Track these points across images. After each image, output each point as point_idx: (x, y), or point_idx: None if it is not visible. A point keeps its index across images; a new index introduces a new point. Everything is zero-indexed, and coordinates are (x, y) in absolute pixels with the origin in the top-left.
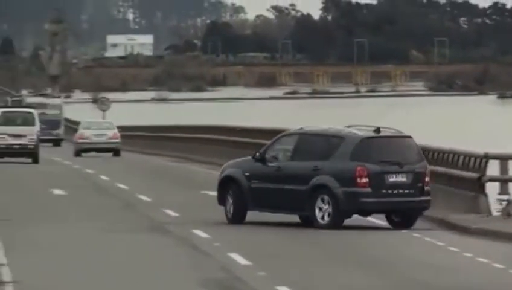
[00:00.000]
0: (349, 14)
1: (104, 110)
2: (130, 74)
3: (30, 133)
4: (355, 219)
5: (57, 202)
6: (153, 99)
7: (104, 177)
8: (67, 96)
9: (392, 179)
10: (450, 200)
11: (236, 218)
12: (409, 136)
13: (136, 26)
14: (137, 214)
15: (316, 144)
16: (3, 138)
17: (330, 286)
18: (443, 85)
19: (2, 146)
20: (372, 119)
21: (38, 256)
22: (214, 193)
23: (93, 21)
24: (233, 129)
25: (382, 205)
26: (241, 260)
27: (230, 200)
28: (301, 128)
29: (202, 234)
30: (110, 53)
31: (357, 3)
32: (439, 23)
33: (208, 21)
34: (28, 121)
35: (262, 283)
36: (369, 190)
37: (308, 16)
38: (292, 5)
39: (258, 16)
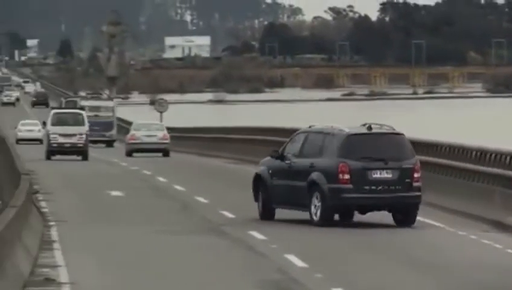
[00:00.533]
0: (406, 15)
1: (161, 112)
2: (187, 76)
3: (80, 133)
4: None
5: (114, 204)
6: (210, 101)
7: (161, 179)
8: (125, 98)
9: (376, 175)
10: (508, 202)
11: (265, 215)
12: (399, 134)
13: (194, 28)
14: (194, 216)
15: (315, 142)
16: (55, 137)
17: (389, 288)
18: (501, 86)
19: (54, 145)
20: (428, 121)
21: (95, 257)
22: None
23: (151, 23)
24: (289, 130)
25: (365, 200)
26: (298, 262)
27: (260, 197)
28: (309, 127)
29: (258, 236)
30: (168, 54)
31: (415, 5)
32: (497, 24)
33: (266, 22)
34: (77, 121)
35: (319, 285)
36: (350, 186)
37: (366, 17)
38: (350, 6)
39: (315, 18)
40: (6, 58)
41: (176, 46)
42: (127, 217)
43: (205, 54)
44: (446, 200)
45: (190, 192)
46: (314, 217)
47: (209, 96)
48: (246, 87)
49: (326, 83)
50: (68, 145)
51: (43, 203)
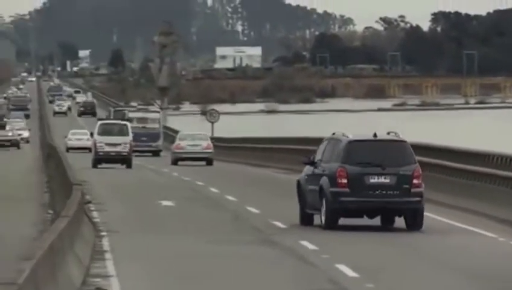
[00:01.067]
0: (458, 25)
1: (212, 122)
2: (238, 86)
3: (124, 142)
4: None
5: (165, 214)
6: (261, 111)
7: (213, 189)
8: (176, 108)
9: (374, 180)
10: None
11: (303, 220)
12: (401, 141)
13: (245, 38)
14: (246, 226)
15: (330, 148)
16: (101, 146)
17: None
18: None
19: (100, 153)
20: (478, 131)
21: (146, 267)
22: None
23: (203, 33)
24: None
25: (362, 204)
26: (349, 272)
27: (299, 203)
28: (332, 134)
29: (310, 246)
30: (219, 65)
31: (466, 15)
32: None
33: (317, 33)
34: (122, 131)
35: None
36: (347, 190)
37: (417, 28)
38: (401, 16)
39: (366, 28)
40: (58, 68)
41: (227, 56)
42: (179, 227)
43: (256, 64)
44: (499, 210)
45: (241, 202)
46: (322, 221)
47: (260, 106)
48: (296, 97)
49: (377, 93)
50: (113, 153)
51: (94, 213)
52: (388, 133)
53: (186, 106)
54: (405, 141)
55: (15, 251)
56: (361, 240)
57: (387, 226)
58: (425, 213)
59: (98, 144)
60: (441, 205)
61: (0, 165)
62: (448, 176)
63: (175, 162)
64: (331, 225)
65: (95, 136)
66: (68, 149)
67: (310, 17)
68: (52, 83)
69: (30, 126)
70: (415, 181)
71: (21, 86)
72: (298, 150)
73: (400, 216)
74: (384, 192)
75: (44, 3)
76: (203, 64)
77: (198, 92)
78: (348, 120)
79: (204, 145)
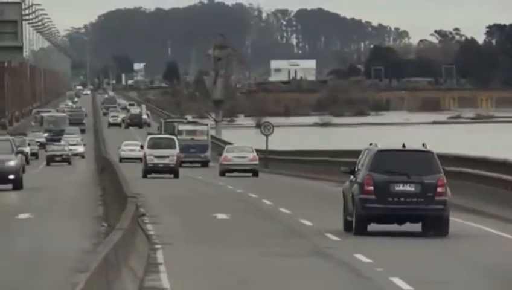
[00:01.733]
0: None
1: (267, 135)
2: (293, 99)
3: (171, 155)
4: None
5: (219, 226)
6: (315, 124)
7: (266, 202)
8: (231, 121)
9: (399, 188)
10: None
11: (346, 227)
12: (428, 151)
13: (300, 51)
14: (300, 239)
15: (365, 157)
16: (151, 158)
17: None
18: None
19: (150, 165)
20: None
21: (201, 280)
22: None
23: (257, 46)
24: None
25: (388, 211)
26: (403, 285)
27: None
28: (369, 144)
29: (364, 259)
30: (274, 78)
31: None
32: None
33: (372, 46)
34: (170, 145)
35: None
36: (373, 196)
37: (472, 40)
38: (456, 29)
39: (421, 41)
40: (113, 82)
41: (282, 69)
42: (233, 240)
43: (311, 77)
44: None
45: (295, 214)
46: (353, 227)
47: (314, 119)
48: (351, 110)
49: (432, 106)
50: (161, 165)
51: (149, 226)
52: (423, 145)
53: (241, 119)
54: (431, 152)
55: (70, 263)
56: (417, 252)
57: (428, 233)
58: (473, 224)
59: (148, 157)
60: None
61: (55, 179)
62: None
63: (222, 173)
64: (359, 230)
65: (145, 149)
66: (121, 159)
67: (365, 30)
68: (106, 96)
69: (86, 141)
70: (438, 189)
71: (76, 100)
72: (351, 163)
73: (423, 222)
74: (408, 199)
75: (99, 17)
76: (257, 77)
77: (252, 105)
78: (402, 133)
79: (250, 157)
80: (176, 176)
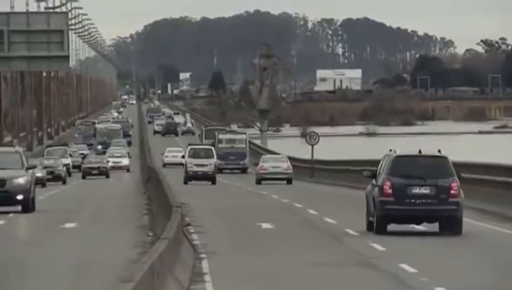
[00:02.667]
0: None
1: (312, 145)
2: (338, 108)
3: (209, 163)
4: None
5: (264, 236)
6: (361, 134)
7: (312, 211)
8: (276, 131)
9: (415, 190)
10: None
11: (368, 227)
12: (442, 157)
13: (345, 61)
14: (344, 248)
15: (383, 163)
16: (191, 167)
17: None
18: None
19: (190, 172)
20: None
21: None
22: (421, 228)
23: (303, 55)
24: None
25: (405, 212)
26: None
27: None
28: (389, 150)
29: (409, 269)
30: (319, 87)
31: None
32: None
33: (417, 55)
34: (208, 154)
35: None
36: (392, 199)
37: None
38: (502, 38)
39: (467, 50)
40: (159, 91)
41: (327, 78)
42: (278, 250)
43: (356, 86)
44: None
45: (340, 224)
46: (374, 227)
47: (360, 129)
48: (397, 120)
49: (478, 115)
50: (201, 173)
51: (194, 236)
52: (438, 151)
53: (286, 129)
54: (445, 157)
55: (115, 273)
56: (461, 261)
57: (445, 233)
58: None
59: (188, 165)
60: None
61: (100, 188)
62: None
63: (259, 181)
64: (380, 230)
65: (186, 158)
66: (164, 165)
67: (411, 40)
68: (152, 105)
69: (132, 152)
70: (452, 191)
71: (121, 110)
72: None
73: (452, 223)
74: (424, 201)
75: (145, 26)
76: (303, 86)
77: (298, 114)
78: (447, 142)
79: (285, 166)
80: (214, 182)
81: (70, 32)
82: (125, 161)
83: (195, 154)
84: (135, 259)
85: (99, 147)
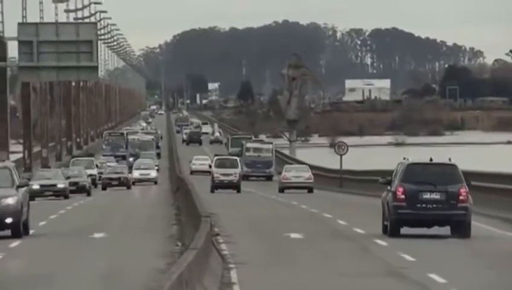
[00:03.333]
0: None
1: (341, 155)
2: (367, 118)
3: (235, 173)
4: None
5: (293, 246)
6: (389, 144)
7: (341, 222)
8: (305, 141)
9: (426, 196)
10: None
11: (384, 231)
12: (451, 164)
13: (374, 71)
14: (374, 258)
15: (397, 170)
16: (218, 176)
17: None
18: None
19: (217, 181)
20: None
21: None
22: (451, 238)
23: (332, 65)
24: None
25: (417, 216)
26: None
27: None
28: (403, 159)
29: (438, 279)
30: (348, 97)
31: None
32: None
33: (446, 65)
34: (233, 164)
35: None
36: (404, 203)
37: None
38: None
39: (496, 60)
40: (188, 101)
41: (356, 88)
42: (307, 260)
43: (385, 96)
44: None
45: (370, 235)
46: (388, 230)
47: (388, 139)
48: (425, 130)
49: (507, 125)
50: (226, 181)
51: (223, 246)
52: (449, 160)
53: (315, 139)
54: (454, 165)
55: (144, 283)
56: (490, 270)
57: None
58: None
59: (215, 174)
60: None
61: (129, 198)
62: None
63: (282, 190)
64: (393, 233)
65: (213, 168)
66: (192, 172)
67: (440, 50)
68: (181, 115)
69: (161, 165)
70: (461, 197)
71: (150, 120)
72: None
73: (460, 227)
74: (435, 206)
75: (174, 36)
76: (332, 96)
77: (327, 124)
78: (475, 153)
79: (306, 176)
80: (239, 191)
81: (99, 42)
82: (153, 173)
83: (221, 164)
84: (164, 269)
85: (131, 159)
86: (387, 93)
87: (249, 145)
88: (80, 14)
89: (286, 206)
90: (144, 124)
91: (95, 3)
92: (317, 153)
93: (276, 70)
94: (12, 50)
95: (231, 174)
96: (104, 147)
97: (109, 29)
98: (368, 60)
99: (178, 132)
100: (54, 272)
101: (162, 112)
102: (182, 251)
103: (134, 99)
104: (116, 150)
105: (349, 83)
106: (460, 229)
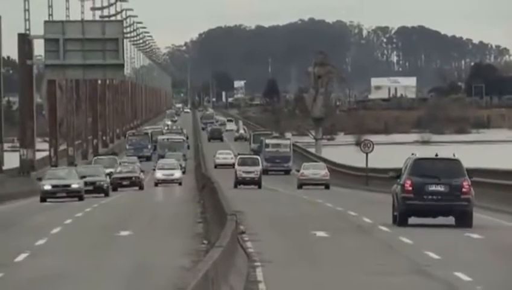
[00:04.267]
0: None
1: (366, 153)
2: (393, 116)
3: (256, 170)
4: None
5: (319, 244)
6: (415, 142)
7: (366, 220)
8: (331, 139)
9: (432, 188)
10: None
11: (394, 221)
12: (455, 159)
13: (400, 69)
14: (399, 256)
15: (406, 165)
16: (240, 173)
17: None
18: None
19: (240, 178)
20: None
21: None
22: (478, 236)
23: (357, 63)
24: (496, 172)
25: (423, 206)
26: None
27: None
28: (411, 154)
29: (464, 277)
30: (374, 95)
31: None
32: None
33: (472, 63)
34: (254, 162)
35: None
36: (411, 195)
37: None
38: None
39: None
40: (214, 99)
41: (382, 86)
42: (332, 258)
43: (411, 94)
44: None
45: (395, 233)
46: (397, 220)
47: (414, 137)
48: (451, 128)
49: None
50: (248, 178)
51: (248, 244)
52: (453, 155)
53: (341, 137)
54: (458, 160)
55: (169, 281)
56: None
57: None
58: None
59: (238, 172)
60: None
61: (154, 197)
62: None
63: (300, 186)
64: (401, 222)
65: (236, 166)
66: (216, 165)
67: (466, 48)
68: (207, 113)
69: (187, 167)
70: (463, 189)
71: (175, 118)
72: None
73: (463, 218)
74: (440, 197)
75: (200, 34)
76: (357, 94)
77: (352, 122)
78: (501, 151)
79: (323, 173)
80: (259, 186)
81: (125, 40)
82: (177, 174)
83: (243, 162)
84: (190, 267)
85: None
86: (413, 91)
87: (268, 141)
88: (106, 12)
89: (311, 204)
90: (169, 123)
91: (121, 1)
92: (343, 151)
93: (302, 68)
94: (38, 48)
95: (252, 172)
96: (127, 147)
97: (135, 27)
98: (394, 58)
99: (203, 129)
100: (80, 270)
101: (188, 110)
102: (207, 249)
103: (160, 97)
104: (139, 150)
105: (375, 81)
106: (463, 219)
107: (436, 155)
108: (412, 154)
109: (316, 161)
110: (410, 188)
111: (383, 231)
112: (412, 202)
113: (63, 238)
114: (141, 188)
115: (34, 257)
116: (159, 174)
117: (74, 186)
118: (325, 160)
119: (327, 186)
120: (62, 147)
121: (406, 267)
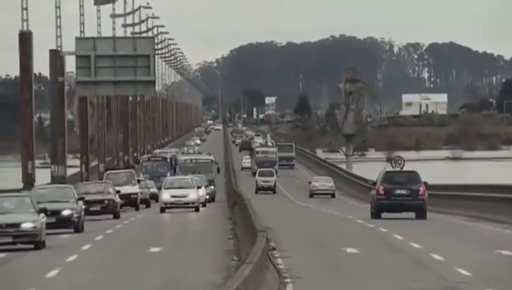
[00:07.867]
0: None
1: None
2: (424, 133)
3: (271, 180)
4: None
5: (349, 261)
6: (446, 158)
7: (397, 236)
8: (362, 155)
9: (398, 191)
10: None
11: (371, 216)
12: (413, 171)
13: (431, 85)
14: (430, 273)
15: (379, 175)
16: (260, 182)
17: None
18: None
19: (259, 186)
20: None
21: None
22: (508, 253)
23: (388, 80)
24: None
25: (392, 205)
26: None
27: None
28: (383, 168)
29: None
30: (405, 112)
31: None
32: None
33: (503, 80)
34: (271, 173)
35: None
36: (383, 196)
37: None
38: None
39: None
40: (245, 116)
41: (413, 103)
42: (363, 275)
43: (442, 111)
44: None
45: (426, 249)
46: (373, 215)
47: (445, 153)
48: (482, 144)
49: None
50: (266, 186)
51: (279, 260)
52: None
53: (372, 153)
54: (415, 171)
55: None
56: None
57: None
58: None
59: (258, 181)
60: None
61: (182, 213)
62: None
63: (311, 195)
64: (377, 216)
65: (256, 177)
66: (242, 168)
67: (497, 64)
68: (237, 128)
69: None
70: (419, 192)
71: (204, 137)
72: (487, 198)
73: (419, 212)
74: (403, 198)
75: (231, 51)
76: (388, 111)
77: (383, 139)
78: None
79: (329, 185)
80: (274, 192)
81: (156, 56)
82: (192, 195)
83: (261, 174)
84: (220, 283)
85: None
86: (444, 108)
87: (258, 149)
88: (137, 28)
89: (342, 221)
90: (198, 141)
91: (153, 17)
92: (374, 168)
93: (333, 84)
94: (70, 64)
95: (269, 181)
96: (141, 176)
97: (166, 44)
98: (425, 75)
99: (233, 142)
100: (111, 286)
101: (219, 128)
102: (238, 266)
103: (191, 113)
104: (157, 179)
105: (406, 97)
106: (421, 213)
107: (401, 168)
108: (384, 168)
109: (348, 178)
110: (383, 192)
111: (414, 247)
112: (384, 202)
113: (92, 254)
114: (137, 209)
115: (64, 272)
116: (166, 196)
117: (65, 213)
118: (355, 176)
119: (333, 196)
120: (93, 164)
121: (436, 283)
